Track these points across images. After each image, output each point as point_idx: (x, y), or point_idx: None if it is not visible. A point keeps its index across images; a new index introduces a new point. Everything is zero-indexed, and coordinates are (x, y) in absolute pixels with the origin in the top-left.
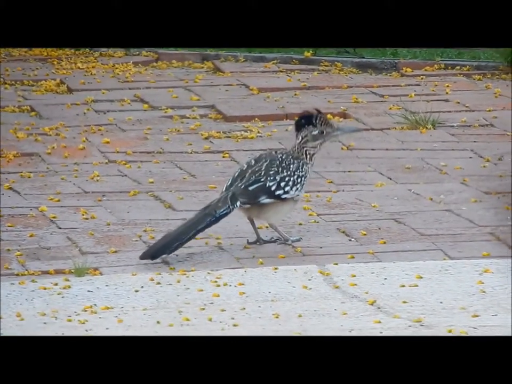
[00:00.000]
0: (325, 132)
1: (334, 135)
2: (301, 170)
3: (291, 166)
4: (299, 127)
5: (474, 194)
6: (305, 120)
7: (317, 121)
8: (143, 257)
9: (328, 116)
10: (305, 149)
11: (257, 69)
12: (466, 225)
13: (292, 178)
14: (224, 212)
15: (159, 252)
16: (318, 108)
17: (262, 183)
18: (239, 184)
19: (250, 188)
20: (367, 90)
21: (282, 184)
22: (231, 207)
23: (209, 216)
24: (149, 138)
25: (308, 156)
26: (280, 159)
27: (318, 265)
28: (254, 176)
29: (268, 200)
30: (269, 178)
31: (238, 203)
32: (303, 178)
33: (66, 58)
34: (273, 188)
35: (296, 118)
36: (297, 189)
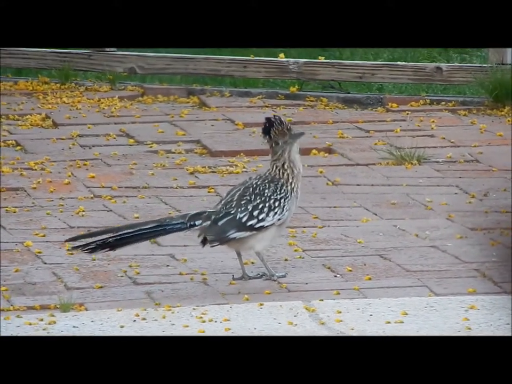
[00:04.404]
0: (280, 143)
1: (289, 144)
2: (278, 192)
3: (266, 191)
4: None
5: (459, 231)
6: (264, 133)
7: (271, 133)
8: (68, 240)
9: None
10: (272, 163)
11: (243, 104)
12: (452, 261)
13: (267, 204)
14: (178, 226)
15: (87, 238)
16: (271, 118)
17: (232, 216)
18: (212, 216)
19: (219, 223)
20: (352, 126)
21: (255, 212)
22: (186, 223)
23: (157, 222)
24: (134, 173)
25: (281, 171)
26: (253, 186)
27: (304, 301)
28: (224, 208)
29: (238, 234)
30: (239, 209)
31: (198, 222)
32: (282, 201)
33: (51, 93)
34: (244, 219)
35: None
36: (275, 213)
